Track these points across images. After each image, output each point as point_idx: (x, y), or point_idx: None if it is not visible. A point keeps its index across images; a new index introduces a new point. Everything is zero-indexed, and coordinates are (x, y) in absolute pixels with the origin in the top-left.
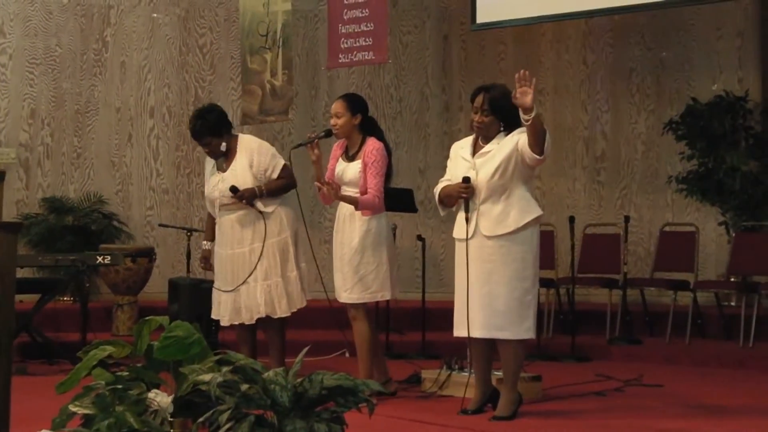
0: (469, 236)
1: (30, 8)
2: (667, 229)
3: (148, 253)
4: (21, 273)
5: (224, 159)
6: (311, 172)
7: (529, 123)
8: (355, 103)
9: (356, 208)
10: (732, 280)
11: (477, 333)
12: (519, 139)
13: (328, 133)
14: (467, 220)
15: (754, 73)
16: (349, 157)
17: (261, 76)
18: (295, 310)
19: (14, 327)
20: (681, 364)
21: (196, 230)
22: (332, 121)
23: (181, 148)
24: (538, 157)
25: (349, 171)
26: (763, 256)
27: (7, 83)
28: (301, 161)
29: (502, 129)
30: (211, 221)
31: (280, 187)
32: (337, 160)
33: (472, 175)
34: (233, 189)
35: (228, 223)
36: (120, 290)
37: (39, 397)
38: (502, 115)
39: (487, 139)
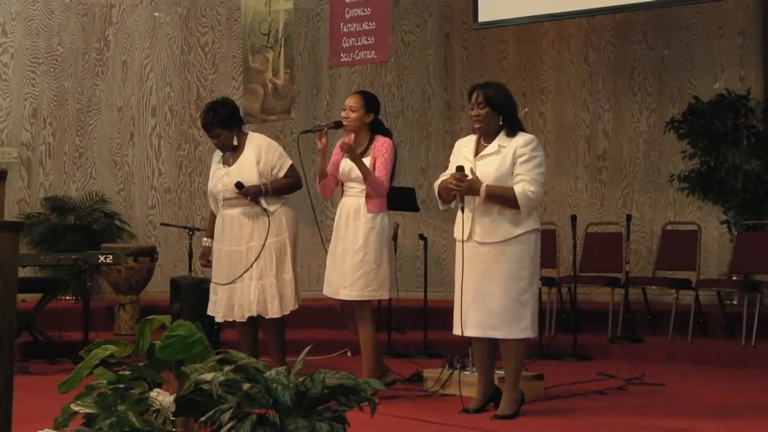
0: (465, 237)
1: (32, 7)
2: (669, 227)
3: (150, 253)
4: (23, 272)
5: (231, 154)
6: (313, 171)
7: (484, 202)
8: (370, 101)
9: (364, 180)
10: (734, 278)
11: (473, 332)
12: (517, 170)
13: (338, 125)
14: (462, 209)
15: (756, 71)
16: None
17: (263, 75)
18: (287, 312)
19: (16, 326)
20: (683, 362)
21: (198, 229)
22: (344, 114)
23: (182, 147)
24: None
25: (356, 168)
26: (765, 255)
27: (8, 82)
28: (309, 159)
29: (501, 123)
30: (213, 218)
31: (285, 186)
32: (342, 156)
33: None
34: (239, 185)
35: (228, 218)
36: (122, 289)
37: (41, 396)
38: (499, 108)
39: (488, 137)
